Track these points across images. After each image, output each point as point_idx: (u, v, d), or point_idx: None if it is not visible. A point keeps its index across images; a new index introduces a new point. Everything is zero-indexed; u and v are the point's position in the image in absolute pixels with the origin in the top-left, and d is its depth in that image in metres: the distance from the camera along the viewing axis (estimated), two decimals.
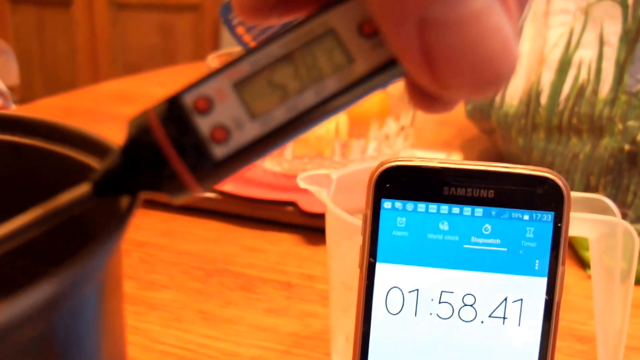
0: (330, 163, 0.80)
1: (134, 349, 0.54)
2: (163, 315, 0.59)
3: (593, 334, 0.47)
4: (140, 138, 0.27)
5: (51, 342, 0.22)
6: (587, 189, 0.68)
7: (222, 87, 0.26)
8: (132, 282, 0.63)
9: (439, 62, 0.24)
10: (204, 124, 0.26)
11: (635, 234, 0.40)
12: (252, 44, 0.87)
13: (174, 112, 0.26)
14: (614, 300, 0.43)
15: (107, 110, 1.27)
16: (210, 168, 0.26)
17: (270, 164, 0.82)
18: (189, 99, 0.26)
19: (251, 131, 0.26)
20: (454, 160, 0.35)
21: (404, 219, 0.36)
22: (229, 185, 0.79)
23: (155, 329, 0.57)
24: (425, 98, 0.27)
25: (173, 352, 0.54)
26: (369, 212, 0.36)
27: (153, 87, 1.47)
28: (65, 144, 0.34)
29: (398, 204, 0.36)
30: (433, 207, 0.36)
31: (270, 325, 0.58)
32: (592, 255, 0.43)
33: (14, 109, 1.39)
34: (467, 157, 1.03)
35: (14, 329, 0.19)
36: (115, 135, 0.29)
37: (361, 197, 0.37)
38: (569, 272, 0.67)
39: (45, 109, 1.29)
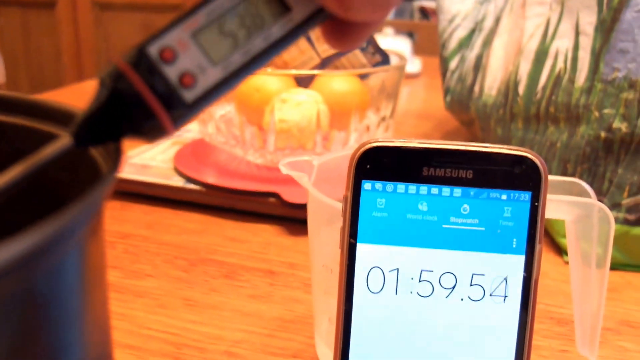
0: (312, 154, 0.80)
1: (121, 334, 0.54)
2: (148, 302, 0.59)
3: (571, 316, 0.48)
4: (116, 85, 0.29)
5: (33, 299, 0.22)
6: (564, 176, 0.69)
7: (182, 38, 0.30)
8: (117, 272, 0.64)
9: None
10: (171, 72, 0.29)
11: (610, 215, 0.41)
12: None
13: (143, 60, 0.29)
14: (590, 284, 0.43)
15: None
16: (183, 110, 0.30)
17: (252, 156, 0.83)
18: (153, 50, 0.30)
19: (214, 75, 0.30)
20: (434, 141, 0.36)
21: (383, 200, 0.36)
22: (212, 177, 0.80)
23: (140, 315, 0.57)
24: (338, 33, 0.34)
25: (158, 336, 0.54)
26: (349, 194, 0.37)
27: None
28: (49, 120, 0.34)
29: (378, 185, 0.36)
30: (412, 188, 0.36)
31: (254, 311, 0.58)
32: (568, 238, 0.44)
33: None
34: None
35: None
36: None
37: (342, 185, 0.38)
38: (546, 258, 0.68)
39: None
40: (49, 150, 0.29)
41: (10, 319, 0.22)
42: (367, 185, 0.36)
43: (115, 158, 0.28)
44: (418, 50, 1.97)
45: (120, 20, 3.83)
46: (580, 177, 0.67)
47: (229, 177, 0.81)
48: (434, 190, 0.36)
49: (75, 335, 0.26)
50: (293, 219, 0.76)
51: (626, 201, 0.65)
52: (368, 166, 0.36)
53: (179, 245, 0.70)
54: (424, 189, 0.36)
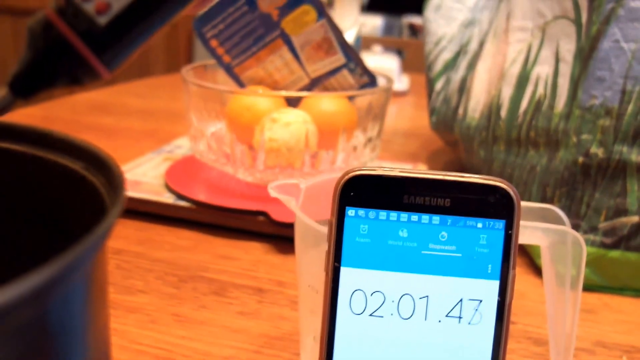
0: (300, 173, 0.82)
1: (114, 349, 0.56)
2: (139, 318, 0.61)
3: (548, 336, 0.50)
4: (44, 33, 0.31)
5: (44, 327, 0.24)
6: (543, 199, 0.71)
7: None
8: (110, 288, 0.65)
9: None
10: (89, 7, 0.31)
11: (583, 242, 0.43)
12: (226, 56, 0.90)
13: (66, 5, 0.31)
14: (564, 305, 0.45)
15: (84, 121, 1.29)
16: (101, 36, 0.31)
17: (242, 174, 0.85)
18: None
19: None
20: (414, 170, 0.38)
21: (366, 226, 0.39)
22: (202, 194, 0.82)
23: (132, 331, 0.58)
24: None
25: (149, 351, 0.56)
26: (334, 220, 0.39)
27: (129, 98, 1.49)
28: (53, 150, 0.36)
29: (361, 212, 0.38)
30: (393, 215, 0.38)
31: (242, 327, 0.60)
32: (543, 262, 0.46)
33: None
34: (432, 168, 1.06)
35: (13, 309, 0.21)
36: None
37: (328, 207, 0.40)
38: (525, 279, 0.70)
39: (24, 118, 1.30)
40: None
41: (21, 345, 0.23)
42: (350, 211, 0.39)
43: (117, 186, 0.30)
44: (406, 67, 1.99)
45: None
46: (559, 201, 0.69)
47: (219, 194, 0.83)
48: (414, 217, 0.38)
49: (79, 356, 0.28)
50: (282, 237, 0.78)
51: (603, 225, 0.67)
52: (352, 193, 0.38)
53: (170, 262, 0.72)
54: (404, 216, 0.38)
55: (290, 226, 0.74)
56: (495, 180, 0.38)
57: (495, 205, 0.38)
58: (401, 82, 1.73)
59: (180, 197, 0.82)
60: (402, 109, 1.60)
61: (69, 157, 0.35)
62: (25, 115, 1.32)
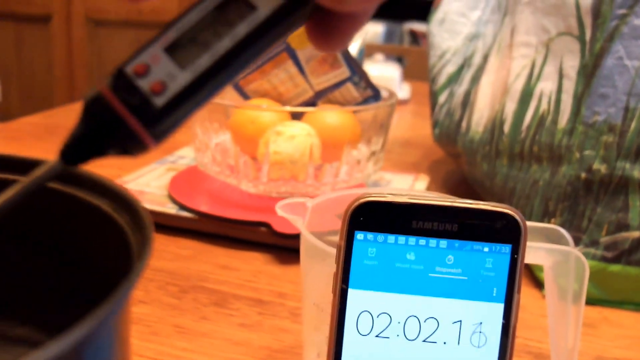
0: (304, 186, 0.82)
1: None
2: (140, 329, 0.61)
3: (549, 351, 0.50)
4: (97, 107, 0.32)
5: None
6: (545, 214, 0.71)
7: (155, 53, 0.32)
8: None
9: None
10: (144, 84, 0.32)
11: (585, 261, 0.44)
12: None
13: (120, 80, 0.32)
14: (566, 320, 0.46)
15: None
16: (155, 116, 0.32)
17: (246, 185, 0.85)
18: (129, 69, 0.32)
19: (183, 79, 0.32)
20: (422, 196, 0.38)
21: (374, 249, 0.39)
22: (205, 205, 0.82)
23: (133, 342, 0.59)
24: (324, 29, 0.34)
25: None
26: (343, 243, 0.39)
27: None
28: (79, 186, 0.37)
29: (370, 235, 0.39)
30: (401, 239, 0.39)
31: (244, 340, 0.60)
32: (546, 280, 0.47)
33: None
34: (434, 180, 1.06)
35: None
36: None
37: (333, 220, 0.40)
38: (525, 291, 0.70)
39: (27, 127, 1.31)
40: (41, 170, 0.32)
41: None
42: (359, 235, 0.39)
43: (145, 236, 0.31)
44: (408, 75, 1.99)
45: (114, 36, 3.83)
46: (561, 215, 0.70)
47: (222, 205, 0.83)
48: (422, 241, 0.39)
49: None
50: (283, 247, 0.78)
51: (604, 239, 0.68)
52: (361, 218, 0.39)
53: (171, 272, 0.72)
54: (412, 240, 0.39)
55: (291, 237, 0.75)
56: (503, 207, 0.38)
57: (501, 231, 0.38)
58: (402, 91, 1.73)
59: (183, 207, 0.83)
60: (403, 118, 1.60)
61: (94, 194, 0.36)
62: (28, 124, 1.32)
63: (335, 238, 0.40)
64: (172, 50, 0.32)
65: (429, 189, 0.98)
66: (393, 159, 1.19)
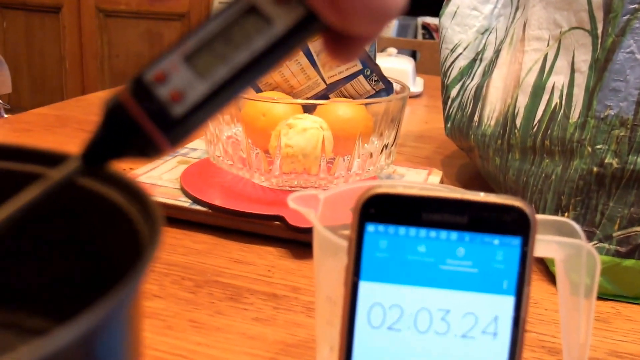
0: (317, 179, 0.83)
1: None
2: (155, 324, 0.61)
3: (561, 346, 0.50)
4: (116, 112, 0.33)
5: None
6: (558, 208, 0.71)
7: (174, 61, 0.34)
8: None
9: (342, 4, 0.33)
10: (163, 91, 0.33)
11: (597, 256, 0.44)
12: None
13: (139, 87, 0.33)
14: (578, 315, 0.46)
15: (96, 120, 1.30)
16: (173, 123, 0.33)
17: (258, 179, 0.85)
18: (149, 76, 0.33)
19: (202, 88, 0.33)
20: (432, 188, 0.39)
21: (385, 241, 0.39)
22: (218, 199, 0.82)
23: (148, 336, 0.59)
24: (336, 45, 0.37)
25: (166, 357, 0.56)
26: (354, 235, 0.39)
27: None
28: (88, 177, 0.37)
29: (381, 228, 0.39)
30: (412, 231, 0.39)
31: (258, 334, 0.60)
32: (557, 274, 0.47)
33: (5, 119, 1.42)
34: (447, 174, 1.06)
35: (67, 351, 0.22)
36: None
37: (346, 213, 0.40)
38: (539, 286, 0.71)
39: (38, 118, 1.32)
40: (63, 172, 0.33)
41: None
42: (370, 227, 0.39)
43: (154, 222, 0.31)
44: (421, 68, 1.99)
45: (124, 27, 3.85)
46: (574, 209, 0.70)
47: (235, 199, 0.84)
48: (432, 234, 0.39)
49: None
50: (297, 241, 0.79)
51: (617, 234, 0.68)
52: (372, 210, 0.39)
53: (186, 266, 0.72)
54: (423, 232, 0.39)
55: (305, 231, 0.75)
56: (512, 200, 0.39)
57: (511, 223, 0.39)
58: (415, 85, 1.73)
59: (196, 201, 0.83)
60: (416, 112, 1.60)
61: (103, 185, 0.36)
62: (39, 115, 1.33)
63: (349, 232, 0.40)
64: (190, 59, 0.34)
65: (442, 183, 0.98)
66: (406, 153, 1.19)
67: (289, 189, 0.85)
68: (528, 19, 0.81)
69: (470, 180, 1.06)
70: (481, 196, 0.39)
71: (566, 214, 0.70)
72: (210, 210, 0.82)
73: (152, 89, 0.33)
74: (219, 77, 0.33)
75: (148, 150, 0.33)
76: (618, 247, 0.68)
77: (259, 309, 0.65)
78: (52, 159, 0.36)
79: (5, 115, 1.90)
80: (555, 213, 0.72)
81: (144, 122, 0.33)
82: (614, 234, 0.68)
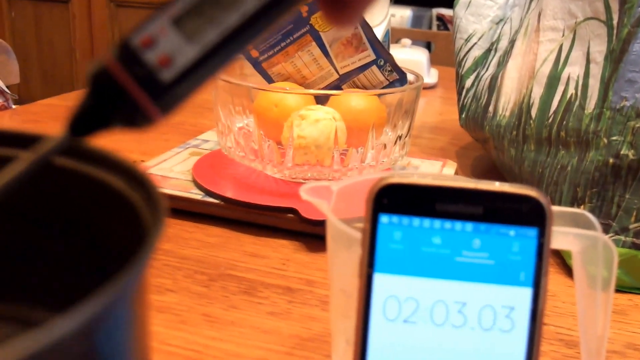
0: (330, 171, 0.82)
1: None
2: (169, 318, 0.61)
3: (579, 338, 0.50)
4: (102, 78, 0.32)
5: (94, 357, 0.25)
6: (574, 200, 0.71)
7: (162, 25, 0.32)
8: None
9: None
10: (151, 57, 0.32)
11: (614, 248, 0.43)
12: (254, 51, 0.90)
13: (126, 52, 0.32)
14: (595, 308, 0.45)
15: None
16: (162, 89, 0.32)
17: (271, 170, 0.85)
18: (136, 41, 0.32)
19: (191, 52, 0.32)
20: (446, 178, 0.38)
21: (400, 233, 0.39)
22: (230, 191, 0.82)
23: (161, 331, 0.59)
24: (333, 7, 0.35)
25: (179, 352, 0.56)
26: (368, 226, 0.39)
27: None
28: (90, 163, 0.37)
29: (395, 219, 0.38)
30: (427, 222, 0.38)
31: (273, 328, 0.60)
32: (574, 266, 0.46)
33: (14, 109, 1.42)
34: (462, 165, 1.06)
35: (66, 343, 0.21)
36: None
37: (359, 206, 0.40)
38: (556, 279, 0.70)
39: (46, 108, 1.31)
40: (50, 143, 0.32)
41: None
42: (384, 218, 0.39)
43: (157, 208, 0.30)
44: (435, 59, 1.98)
45: (135, 17, 3.84)
46: (590, 201, 0.69)
47: (248, 191, 0.83)
48: (447, 225, 0.38)
49: None
50: (311, 234, 0.78)
51: (634, 225, 0.67)
52: (385, 201, 0.38)
53: (199, 260, 0.72)
54: (437, 223, 0.38)
55: (320, 224, 0.74)
56: (528, 189, 0.38)
57: (527, 214, 0.38)
58: (430, 76, 1.72)
59: (208, 193, 0.83)
60: (431, 103, 1.59)
61: (105, 171, 0.35)
62: (46, 106, 1.33)
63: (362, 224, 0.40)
64: (179, 23, 0.32)
65: (456, 174, 0.98)
66: (421, 145, 1.18)
67: (302, 180, 0.84)
68: (543, 9, 0.80)
69: (485, 172, 1.05)
70: (496, 186, 0.38)
71: (582, 206, 0.70)
72: (222, 203, 0.81)
73: (139, 53, 0.32)
74: (209, 40, 0.32)
75: (137, 119, 0.32)
76: (634, 239, 0.67)
77: (274, 303, 0.64)
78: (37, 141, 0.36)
79: (14, 107, 1.90)
80: (571, 205, 0.71)
81: (131, 88, 0.31)
82: (631, 226, 0.67)
